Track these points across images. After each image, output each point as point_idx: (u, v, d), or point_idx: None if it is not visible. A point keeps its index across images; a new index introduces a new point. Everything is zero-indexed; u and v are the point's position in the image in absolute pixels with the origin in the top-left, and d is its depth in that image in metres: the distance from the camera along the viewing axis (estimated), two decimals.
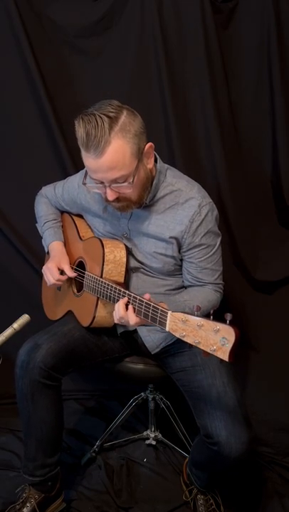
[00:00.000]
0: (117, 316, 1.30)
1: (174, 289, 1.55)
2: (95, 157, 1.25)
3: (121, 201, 1.37)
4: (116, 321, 1.32)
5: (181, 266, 1.53)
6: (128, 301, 1.28)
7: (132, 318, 1.26)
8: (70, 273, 1.59)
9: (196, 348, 1.05)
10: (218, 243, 1.49)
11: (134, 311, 1.27)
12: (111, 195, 1.32)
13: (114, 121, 1.23)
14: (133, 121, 1.27)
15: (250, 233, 2.19)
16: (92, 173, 1.31)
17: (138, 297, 1.26)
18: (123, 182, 1.30)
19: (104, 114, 1.22)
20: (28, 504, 1.53)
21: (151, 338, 1.55)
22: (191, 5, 1.94)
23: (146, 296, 1.24)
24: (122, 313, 1.27)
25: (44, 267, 1.63)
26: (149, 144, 1.34)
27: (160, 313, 1.16)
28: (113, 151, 1.24)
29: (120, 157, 1.25)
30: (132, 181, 1.30)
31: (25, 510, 1.52)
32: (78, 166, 2.01)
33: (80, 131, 1.24)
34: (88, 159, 1.28)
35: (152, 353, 1.58)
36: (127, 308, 1.28)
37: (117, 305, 1.30)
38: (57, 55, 2.06)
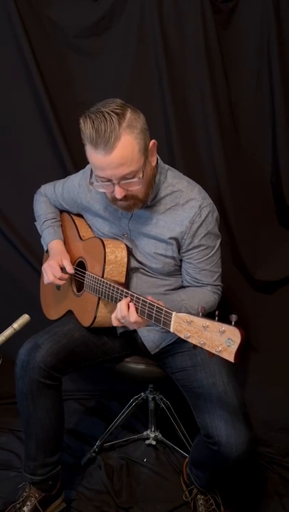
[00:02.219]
0: (118, 315, 1.28)
1: (173, 289, 1.55)
2: (104, 153, 1.24)
3: (128, 199, 1.36)
4: (115, 322, 1.30)
5: (180, 266, 1.53)
6: (130, 301, 1.27)
7: (133, 317, 1.25)
8: (70, 269, 1.59)
9: (201, 349, 1.05)
10: (217, 245, 1.49)
11: (137, 312, 1.26)
12: (120, 193, 1.31)
13: (121, 117, 1.23)
14: (138, 118, 1.28)
15: (250, 233, 2.20)
16: (99, 171, 1.30)
17: (141, 297, 1.26)
18: (132, 178, 1.29)
19: (111, 111, 1.22)
20: (28, 503, 1.52)
21: (151, 338, 1.55)
22: (191, 5, 1.95)
23: (148, 298, 1.23)
24: (125, 313, 1.26)
25: (45, 265, 1.62)
26: (153, 141, 1.34)
27: (164, 314, 1.15)
28: (123, 147, 1.23)
29: (130, 152, 1.25)
30: (142, 176, 1.30)
31: (25, 509, 1.52)
32: (78, 165, 2.01)
33: (88, 128, 1.23)
34: (96, 156, 1.26)
35: (152, 353, 1.58)
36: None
37: (119, 304, 1.29)
38: (57, 55, 2.06)
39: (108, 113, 1.22)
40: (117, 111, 1.23)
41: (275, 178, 2.17)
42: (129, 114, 1.25)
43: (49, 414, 1.48)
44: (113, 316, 1.30)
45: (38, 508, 1.52)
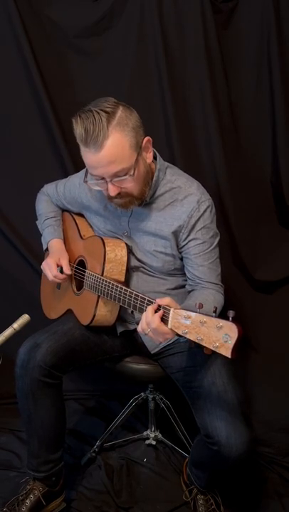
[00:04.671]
0: (143, 320, 1.19)
1: (174, 289, 1.55)
2: (94, 152, 1.26)
3: (123, 197, 1.37)
4: (141, 330, 1.21)
5: (181, 267, 1.53)
6: (157, 309, 1.18)
7: (155, 322, 1.15)
8: (67, 270, 1.60)
9: (199, 344, 1.05)
10: (215, 242, 1.48)
11: (137, 309, 1.26)
12: (113, 191, 1.32)
13: (111, 116, 1.25)
14: (130, 116, 1.29)
15: (250, 233, 2.20)
16: (92, 169, 1.32)
17: (140, 295, 1.26)
18: (124, 175, 1.30)
19: (101, 110, 1.24)
20: (31, 495, 1.52)
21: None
22: (191, 5, 1.95)
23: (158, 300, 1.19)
24: (150, 318, 1.17)
25: (43, 263, 1.64)
26: (147, 137, 1.35)
27: (162, 310, 1.15)
28: (112, 145, 1.25)
29: (119, 150, 1.26)
30: (133, 174, 1.31)
31: (28, 501, 1.52)
32: (78, 165, 2.01)
33: (78, 128, 1.26)
34: (88, 155, 1.28)
35: (152, 352, 1.58)
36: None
37: (145, 313, 1.20)
38: (57, 55, 2.06)
39: (98, 112, 1.24)
40: (107, 109, 1.24)
41: (275, 178, 2.17)
42: (120, 112, 1.26)
43: (50, 412, 1.48)
44: (141, 323, 1.21)
45: (41, 501, 1.52)
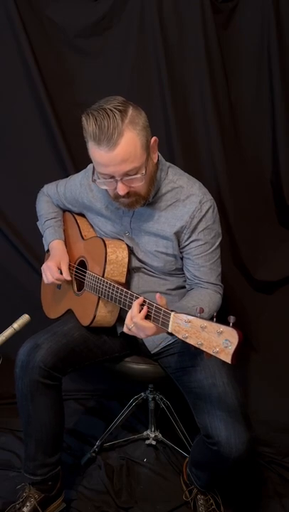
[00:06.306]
0: (128, 315, 1.23)
1: (174, 289, 1.56)
2: (107, 150, 1.24)
3: (130, 196, 1.36)
4: (125, 329, 1.25)
5: (182, 267, 1.53)
6: (143, 302, 1.22)
7: (137, 317, 1.20)
8: (66, 276, 1.60)
9: (199, 349, 1.05)
10: (217, 243, 1.49)
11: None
12: (122, 190, 1.31)
13: (124, 114, 1.24)
14: (139, 115, 1.29)
15: (250, 233, 2.20)
16: (102, 167, 1.30)
17: (140, 297, 1.25)
18: (135, 174, 1.30)
19: (113, 108, 1.23)
20: (28, 503, 1.52)
21: (151, 337, 1.54)
22: (191, 5, 1.95)
23: (157, 295, 1.21)
24: (135, 313, 1.21)
25: (44, 265, 1.63)
26: (154, 138, 1.35)
27: (163, 314, 1.15)
28: (126, 143, 1.24)
29: (132, 148, 1.26)
30: (145, 173, 1.30)
31: (25, 509, 1.52)
32: (78, 165, 2.01)
33: (90, 125, 1.24)
34: (100, 153, 1.26)
35: (152, 352, 1.58)
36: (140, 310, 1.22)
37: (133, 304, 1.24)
38: (57, 55, 2.06)
39: (111, 110, 1.23)
40: (119, 107, 1.24)
41: (275, 178, 2.17)
42: (131, 111, 1.26)
43: (49, 414, 1.48)
44: (128, 316, 1.25)
45: (37, 509, 1.52)
